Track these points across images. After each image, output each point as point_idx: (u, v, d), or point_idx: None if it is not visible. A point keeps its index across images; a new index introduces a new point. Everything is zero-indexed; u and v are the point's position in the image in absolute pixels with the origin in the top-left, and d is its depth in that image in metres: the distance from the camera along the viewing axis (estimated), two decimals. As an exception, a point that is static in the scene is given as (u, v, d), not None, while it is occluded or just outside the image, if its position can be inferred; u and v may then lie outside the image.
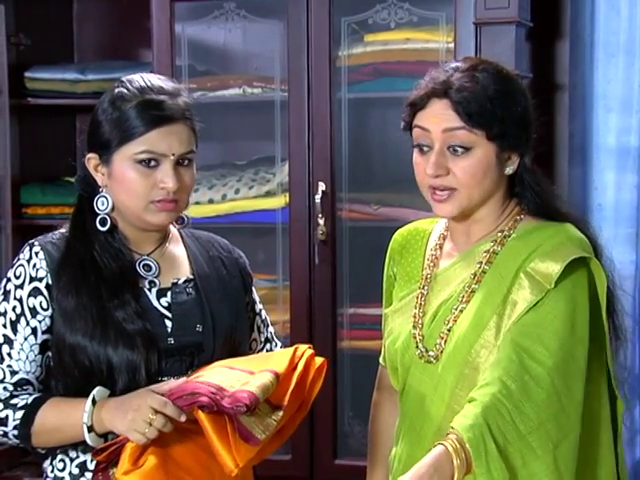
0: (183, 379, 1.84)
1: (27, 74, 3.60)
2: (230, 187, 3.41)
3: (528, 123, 1.88)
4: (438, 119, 1.83)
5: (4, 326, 1.92)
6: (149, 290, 1.96)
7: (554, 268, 1.78)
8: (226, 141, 3.58)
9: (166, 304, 1.96)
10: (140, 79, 1.95)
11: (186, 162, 1.93)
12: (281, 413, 1.82)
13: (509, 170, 1.87)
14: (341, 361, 3.27)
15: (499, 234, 1.89)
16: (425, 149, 1.86)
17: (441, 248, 1.97)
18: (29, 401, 1.88)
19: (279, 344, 2.18)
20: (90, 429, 1.83)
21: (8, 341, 1.91)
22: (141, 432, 1.76)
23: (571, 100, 3.39)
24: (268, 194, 3.37)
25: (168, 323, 1.95)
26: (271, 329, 2.17)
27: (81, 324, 1.88)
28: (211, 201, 3.39)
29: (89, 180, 1.98)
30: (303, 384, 1.89)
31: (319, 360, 1.94)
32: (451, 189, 1.84)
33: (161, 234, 2.01)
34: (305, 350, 1.93)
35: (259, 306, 2.15)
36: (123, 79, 1.96)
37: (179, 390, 1.78)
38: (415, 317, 1.92)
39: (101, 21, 3.89)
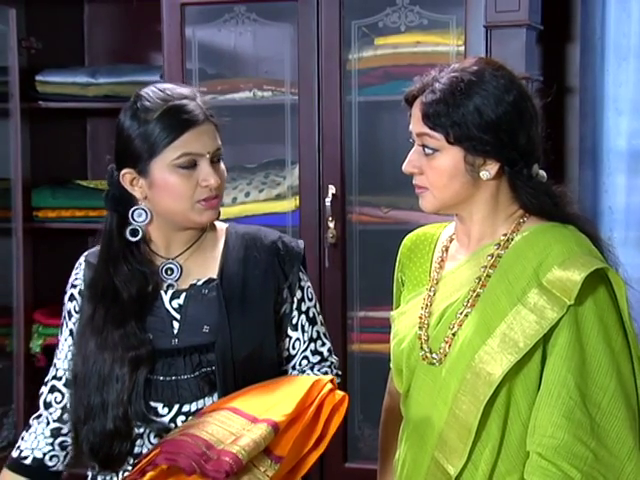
0: (192, 422, 1.87)
1: (38, 77, 3.61)
2: (240, 190, 3.41)
3: (504, 131, 1.82)
4: (414, 121, 1.87)
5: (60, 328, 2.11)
6: (165, 292, 2.01)
7: (571, 281, 1.76)
8: (236, 144, 3.57)
9: (177, 306, 2.00)
10: (157, 90, 1.98)
11: (216, 159, 1.99)
12: (277, 467, 1.81)
13: (485, 175, 1.84)
14: (351, 364, 3.27)
15: (502, 237, 1.88)
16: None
17: (447, 250, 1.98)
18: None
19: (327, 343, 2.14)
20: None
21: (58, 341, 2.10)
22: None
23: (581, 103, 3.39)
24: (278, 197, 3.38)
25: (175, 324, 1.99)
26: (318, 328, 2.13)
27: (82, 353, 1.99)
28: (221, 204, 3.39)
29: (121, 197, 2.01)
30: (312, 426, 1.88)
31: (338, 395, 1.91)
32: (424, 188, 1.88)
33: (194, 235, 2.05)
34: (324, 385, 1.91)
35: (308, 304, 2.11)
36: (139, 92, 1.99)
37: (169, 445, 1.80)
38: (421, 318, 1.92)
39: (112, 24, 3.90)
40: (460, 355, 1.83)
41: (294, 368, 2.11)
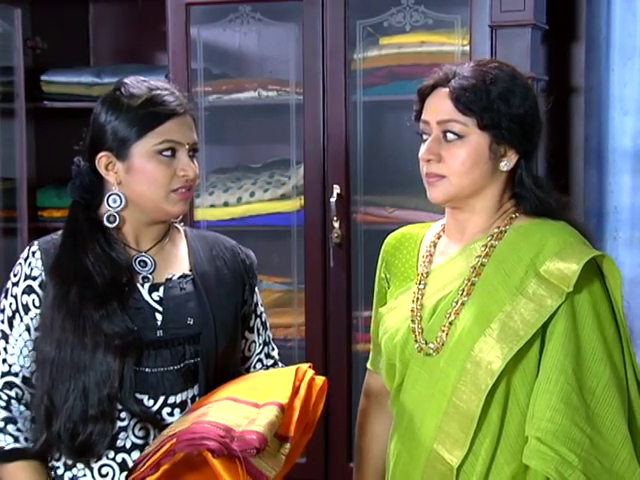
0: (192, 415, 1.87)
1: (43, 77, 3.61)
2: (245, 190, 3.41)
3: (528, 124, 1.87)
4: (436, 110, 1.88)
5: (2, 322, 2.00)
6: (142, 285, 2.01)
7: (570, 270, 1.79)
8: (241, 144, 3.58)
9: (157, 298, 2.01)
10: (140, 80, 2.02)
11: (192, 153, 2.01)
12: (288, 446, 1.86)
13: (504, 166, 1.88)
14: (356, 364, 3.27)
15: (495, 230, 1.91)
16: (425, 137, 1.91)
17: (435, 246, 2.00)
18: (5, 447, 1.94)
19: (276, 348, 2.21)
20: None
21: (4, 336, 1.99)
22: None
23: (587, 103, 3.38)
24: (283, 197, 3.38)
25: (158, 316, 1.99)
26: (269, 333, 2.20)
27: (55, 337, 1.92)
28: (226, 204, 3.40)
29: (90, 185, 2.02)
30: (306, 408, 1.92)
31: (320, 380, 1.97)
32: (441, 176, 1.88)
33: (161, 231, 2.06)
34: (306, 371, 1.96)
35: (261, 308, 2.17)
36: (122, 81, 2.02)
37: (188, 433, 1.80)
38: (413, 311, 1.94)
39: (117, 24, 3.90)
40: (459, 344, 1.84)
41: (248, 370, 2.15)
